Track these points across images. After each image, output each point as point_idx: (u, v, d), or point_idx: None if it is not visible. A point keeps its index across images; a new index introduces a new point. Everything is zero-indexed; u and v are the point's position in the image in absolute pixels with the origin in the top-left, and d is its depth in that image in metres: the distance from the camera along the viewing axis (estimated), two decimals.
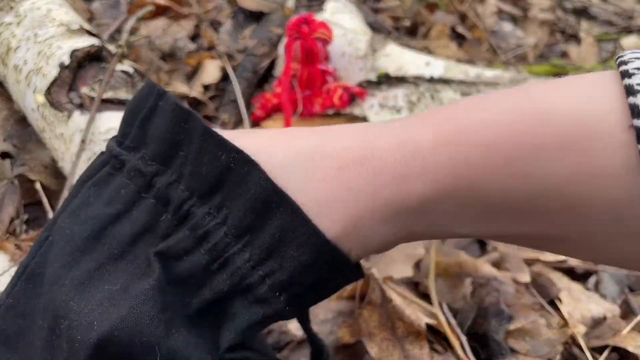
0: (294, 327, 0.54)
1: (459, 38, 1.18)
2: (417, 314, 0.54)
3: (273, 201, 0.24)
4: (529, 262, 0.65)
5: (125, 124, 0.27)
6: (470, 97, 0.25)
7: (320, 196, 0.24)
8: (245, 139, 0.25)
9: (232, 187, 0.24)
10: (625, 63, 0.21)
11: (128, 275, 0.24)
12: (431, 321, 0.54)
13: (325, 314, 0.56)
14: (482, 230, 0.24)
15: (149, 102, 0.26)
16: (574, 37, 1.27)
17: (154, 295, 0.23)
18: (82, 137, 0.56)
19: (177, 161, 0.25)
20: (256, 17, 1.05)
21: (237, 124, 0.83)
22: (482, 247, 0.70)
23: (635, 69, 0.20)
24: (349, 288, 0.56)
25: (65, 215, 0.26)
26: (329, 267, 0.25)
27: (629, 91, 0.20)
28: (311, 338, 0.32)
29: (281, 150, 0.25)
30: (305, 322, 0.31)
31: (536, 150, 0.21)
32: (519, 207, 0.23)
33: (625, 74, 0.20)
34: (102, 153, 0.28)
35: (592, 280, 0.66)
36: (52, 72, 0.61)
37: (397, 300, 0.53)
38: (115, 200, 0.25)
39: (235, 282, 0.24)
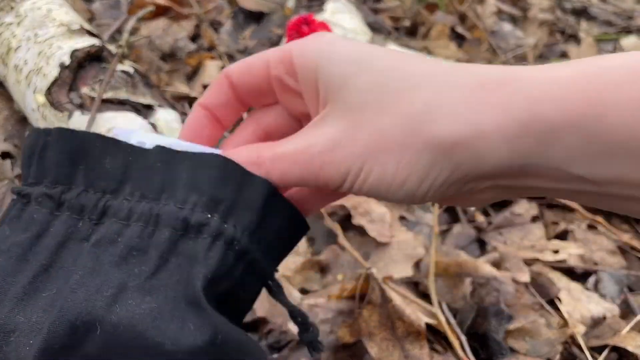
0: (294, 327, 0.54)
1: (458, 38, 1.19)
2: (416, 313, 0.54)
3: (172, 158, 0.28)
4: (529, 262, 0.65)
5: (24, 169, 0.30)
6: None
7: (455, 102, 0.25)
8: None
9: (136, 173, 0.28)
10: None
11: (60, 280, 0.27)
12: (431, 321, 0.54)
13: (325, 314, 0.56)
14: (596, 172, 0.24)
15: (40, 143, 0.29)
16: (574, 38, 1.27)
17: (84, 281, 0.26)
18: None
19: (80, 176, 0.29)
20: (256, 17, 1.05)
21: (238, 124, 0.83)
22: (481, 247, 0.70)
23: None
24: (349, 287, 0.56)
25: None
26: (237, 178, 0.28)
27: None
28: (291, 312, 0.33)
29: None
30: (278, 296, 0.32)
31: None
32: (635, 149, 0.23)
33: None
34: (9, 207, 0.31)
35: (591, 280, 0.66)
36: (53, 72, 0.61)
37: (397, 300, 0.53)
38: (32, 225, 0.28)
39: (173, 225, 0.27)
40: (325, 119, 0.28)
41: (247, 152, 0.29)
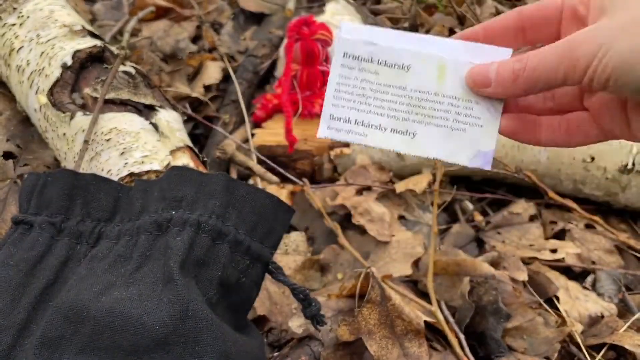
0: (294, 325, 0.55)
1: None
2: (415, 312, 0.54)
3: (148, 185, 0.34)
4: (527, 261, 0.66)
5: (23, 202, 0.36)
6: None
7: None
8: None
9: (124, 207, 0.34)
10: None
11: (63, 291, 0.32)
12: (430, 319, 0.55)
13: (325, 312, 0.57)
14: None
15: (40, 182, 0.35)
16: None
17: (77, 284, 0.31)
18: (85, 138, 0.56)
19: (77, 209, 0.35)
20: (257, 18, 1.06)
21: (238, 124, 0.83)
22: (480, 246, 0.70)
23: None
24: (349, 286, 0.57)
25: None
26: (193, 181, 0.33)
27: None
28: (293, 290, 0.35)
29: None
30: (278, 276, 0.35)
31: None
32: None
33: None
34: (9, 228, 0.36)
35: (589, 279, 0.67)
36: (55, 72, 0.62)
37: (396, 298, 0.54)
38: (36, 245, 0.34)
39: (150, 231, 0.32)
40: (591, 25, 0.31)
41: (513, 57, 0.34)
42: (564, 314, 0.61)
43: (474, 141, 0.47)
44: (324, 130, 0.48)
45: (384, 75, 0.49)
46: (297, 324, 0.54)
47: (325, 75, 0.82)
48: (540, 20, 0.35)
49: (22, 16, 0.68)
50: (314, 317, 0.37)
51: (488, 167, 0.46)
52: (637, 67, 0.28)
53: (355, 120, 0.48)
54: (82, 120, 0.58)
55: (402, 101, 0.49)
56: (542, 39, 0.36)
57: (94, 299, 0.30)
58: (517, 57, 0.33)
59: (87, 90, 0.61)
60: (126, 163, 0.54)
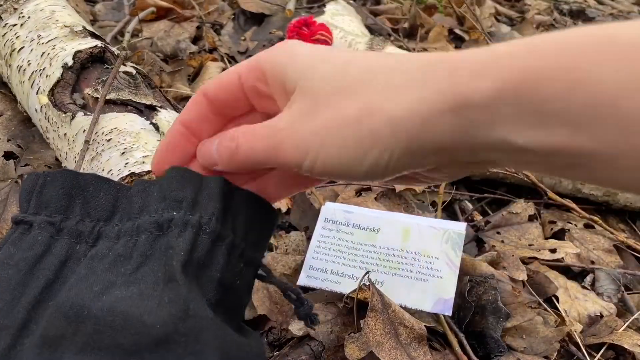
0: (294, 328, 0.55)
1: (457, 40, 1.19)
2: (416, 317, 0.54)
3: (147, 185, 0.33)
4: (526, 261, 0.66)
5: (23, 202, 0.35)
6: None
7: (403, 83, 0.28)
8: None
9: (123, 207, 0.34)
10: None
11: (63, 292, 0.31)
12: (430, 324, 0.55)
13: (324, 316, 0.57)
14: (538, 139, 0.26)
15: (39, 182, 0.35)
16: None
17: (77, 284, 0.31)
18: (86, 138, 0.56)
19: (77, 209, 0.34)
20: (257, 19, 1.06)
21: None
22: (479, 246, 0.70)
23: None
24: (347, 292, 0.57)
25: None
26: (192, 183, 0.32)
27: None
28: (284, 290, 0.35)
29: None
30: (268, 278, 0.35)
31: (596, 63, 0.23)
32: (578, 116, 0.24)
33: None
34: (9, 233, 0.36)
35: (588, 278, 0.67)
36: (56, 73, 0.62)
37: (396, 304, 0.54)
38: (35, 245, 0.33)
39: (150, 231, 0.32)
40: (291, 104, 0.31)
41: (229, 131, 0.33)
42: (563, 313, 0.61)
43: (436, 290, 0.56)
44: (304, 279, 0.58)
45: (357, 236, 0.59)
46: (297, 327, 0.55)
47: None
48: (230, 101, 0.34)
49: (23, 17, 0.68)
50: (307, 316, 0.37)
51: (449, 313, 0.55)
52: (350, 163, 0.28)
53: (331, 271, 0.58)
54: (82, 120, 0.59)
55: (372, 256, 0.58)
56: (242, 113, 0.35)
57: (95, 298, 0.30)
58: (232, 134, 0.32)
59: (88, 91, 0.62)
60: (127, 163, 0.54)
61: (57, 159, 0.67)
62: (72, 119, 0.59)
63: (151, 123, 0.59)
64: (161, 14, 0.98)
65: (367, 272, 0.55)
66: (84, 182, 0.35)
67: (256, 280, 0.35)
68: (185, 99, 0.84)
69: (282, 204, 0.69)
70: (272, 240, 0.65)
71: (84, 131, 0.58)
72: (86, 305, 0.29)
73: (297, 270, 0.61)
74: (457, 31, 1.21)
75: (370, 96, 0.28)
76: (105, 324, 0.29)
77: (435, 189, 0.74)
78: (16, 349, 0.31)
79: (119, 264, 0.32)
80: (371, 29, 1.11)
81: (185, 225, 0.31)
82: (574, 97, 0.24)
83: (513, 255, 0.65)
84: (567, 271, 0.68)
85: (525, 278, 0.62)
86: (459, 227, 0.57)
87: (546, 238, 0.71)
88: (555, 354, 0.56)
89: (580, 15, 1.44)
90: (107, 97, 0.59)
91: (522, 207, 0.73)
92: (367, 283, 0.54)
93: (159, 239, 0.32)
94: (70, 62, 0.62)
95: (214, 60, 0.92)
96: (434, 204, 0.73)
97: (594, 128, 0.24)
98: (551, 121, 0.25)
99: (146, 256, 0.31)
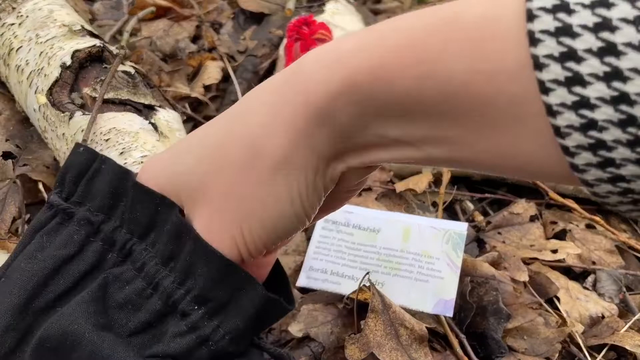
0: (294, 330, 0.54)
1: None
2: (417, 318, 0.54)
3: (183, 232, 0.29)
4: (527, 261, 0.66)
5: (72, 183, 0.33)
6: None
7: (263, 111, 0.28)
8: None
9: (161, 225, 0.30)
10: None
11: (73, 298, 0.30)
12: (431, 325, 0.55)
13: (324, 317, 0.57)
14: (407, 133, 0.26)
15: (94, 166, 0.32)
16: None
17: (87, 300, 0.29)
18: (84, 137, 0.56)
19: (119, 211, 0.31)
20: (257, 18, 1.06)
21: None
22: (480, 246, 0.70)
23: None
24: (347, 292, 0.57)
25: (21, 259, 0.31)
26: (233, 280, 0.29)
27: None
28: (270, 353, 0.33)
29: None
30: (258, 346, 0.32)
31: (442, 51, 0.23)
32: (433, 108, 0.24)
33: None
34: (47, 207, 0.33)
35: (590, 279, 0.67)
36: (54, 72, 0.62)
37: (397, 305, 0.53)
38: (69, 244, 0.31)
39: (164, 300, 0.29)
40: (195, 215, 0.30)
41: None
42: (564, 314, 0.61)
43: (436, 291, 0.55)
44: (303, 280, 0.57)
45: (357, 236, 0.58)
46: (297, 328, 0.54)
47: None
48: None
49: (21, 16, 0.68)
50: None
51: (450, 314, 0.54)
52: (280, 212, 0.28)
53: (331, 271, 0.57)
54: (81, 120, 0.58)
55: (372, 256, 0.57)
56: None
57: (90, 330, 0.28)
58: None
59: (86, 90, 0.61)
60: (125, 163, 0.53)
61: (55, 159, 0.67)
62: (70, 118, 0.59)
63: (150, 123, 0.58)
64: (160, 13, 0.98)
65: (368, 273, 0.54)
66: (130, 184, 0.31)
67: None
68: (184, 98, 0.84)
69: None
70: None
71: (82, 131, 0.57)
72: (81, 334, 0.28)
73: (297, 270, 0.60)
74: None
75: (240, 163, 0.28)
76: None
77: (436, 189, 0.73)
78: (15, 354, 0.29)
79: (125, 309, 0.29)
80: None
81: (193, 329, 0.29)
82: (426, 92, 0.24)
83: (514, 256, 0.64)
84: (569, 272, 0.67)
85: (527, 279, 0.62)
86: (460, 228, 0.57)
87: (547, 238, 0.70)
88: (557, 355, 0.56)
89: None
90: (106, 97, 0.59)
91: (523, 208, 0.72)
92: (368, 284, 0.54)
93: (168, 316, 0.29)
94: (68, 62, 0.61)
95: (213, 59, 0.91)
96: (434, 204, 0.72)
97: (451, 120, 0.24)
98: (412, 114, 0.25)
99: (149, 325, 0.29)
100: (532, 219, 0.72)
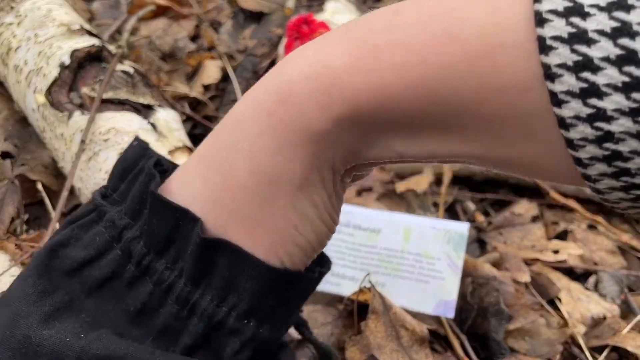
0: (294, 331, 0.54)
1: None
2: (417, 319, 0.54)
3: (213, 247, 0.27)
4: (529, 262, 0.65)
5: (118, 178, 0.31)
6: (383, 9, 0.25)
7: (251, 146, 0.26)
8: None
9: (182, 241, 0.28)
10: None
11: (99, 313, 0.28)
12: (432, 327, 0.54)
13: (325, 318, 0.56)
14: (414, 148, 0.25)
15: (140, 164, 0.30)
16: None
17: (123, 336, 0.27)
18: (82, 137, 0.56)
19: (142, 219, 0.29)
20: (256, 17, 1.05)
21: None
22: (481, 247, 0.70)
23: None
24: (347, 293, 0.56)
25: (43, 252, 0.29)
26: (281, 286, 0.28)
27: None
28: (315, 345, 0.33)
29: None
30: (304, 333, 0.32)
31: (446, 69, 0.22)
32: (440, 126, 0.23)
33: None
34: (90, 200, 0.31)
35: (591, 280, 0.66)
36: (53, 72, 0.61)
37: (397, 307, 0.53)
38: (91, 246, 0.29)
39: (206, 322, 0.27)
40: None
41: None
42: (566, 315, 0.60)
43: (437, 292, 0.54)
44: None
45: (358, 237, 0.57)
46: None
47: None
48: None
49: (20, 15, 0.67)
50: None
51: (451, 315, 0.54)
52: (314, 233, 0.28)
53: (331, 272, 0.56)
54: (80, 119, 0.58)
55: (373, 257, 0.57)
56: None
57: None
58: None
59: (85, 90, 0.61)
60: None
61: (54, 159, 0.67)
62: (69, 118, 0.59)
63: (149, 122, 0.58)
64: (159, 12, 0.97)
65: (368, 274, 0.54)
66: (151, 195, 0.28)
67: None
68: (183, 98, 0.83)
69: None
70: None
71: (81, 131, 0.57)
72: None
73: None
74: None
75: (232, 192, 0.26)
76: None
77: (436, 189, 0.73)
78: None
79: (165, 336, 0.27)
80: None
81: (249, 342, 0.27)
82: (431, 110, 0.23)
83: (515, 257, 0.64)
84: (570, 272, 0.67)
85: (528, 279, 0.62)
86: (461, 228, 0.56)
87: (549, 239, 0.70)
88: (558, 356, 0.56)
89: None
90: (105, 96, 0.59)
91: (525, 208, 0.72)
92: (368, 285, 0.54)
93: (214, 335, 0.27)
94: (67, 61, 0.61)
95: (213, 58, 0.91)
96: (435, 204, 0.72)
97: (458, 135, 0.23)
98: (418, 132, 0.24)
99: (194, 349, 0.27)
100: (534, 219, 0.72)
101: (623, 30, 0.18)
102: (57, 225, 0.54)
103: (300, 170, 0.26)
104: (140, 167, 0.30)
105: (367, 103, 0.24)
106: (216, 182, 0.27)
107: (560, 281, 0.64)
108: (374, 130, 0.25)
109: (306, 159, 0.25)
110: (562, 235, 0.71)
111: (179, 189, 0.29)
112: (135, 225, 0.29)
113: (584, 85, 0.19)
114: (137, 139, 0.32)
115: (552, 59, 0.19)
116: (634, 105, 0.18)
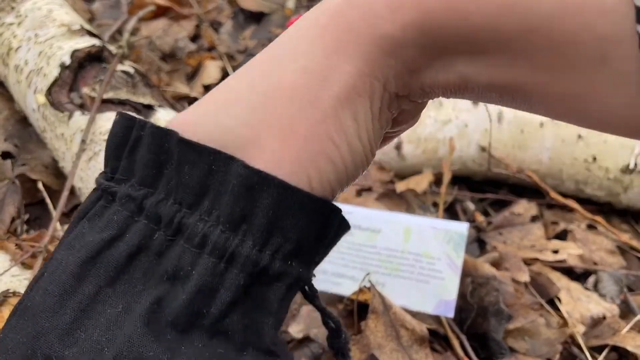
0: (294, 331, 0.54)
1: None
2: (417, 319, 0.54)
3: (256, 184, 0.24)
4: (528, 262, 0.66)
5: (114, 158, 0.28)
6: None
7: (299, 48, 0.25)
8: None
9: (217, 187, 0.25)
10: None
11: (128, 296, 0.25)
12: (432, 326, 0.54)
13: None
14: (476, 70, 0.24)
15: (133, 135, 0.27)
16: None
17: (155, 313, 0.24)
18: (83, 137, 0.56)
19: (164, 180, 0.26)
20: (256, 17, 1.05)
21: None
22: (481, 247, 0.70)
23: None
24: (347, 293, 0.56)
25: (60, 249, 0.27)
26: (322, 219, 0.26)
27: None
28: (325, 316, 0.31)
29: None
30: (314, 300, 0.30)
31: None
32: (508, 48, 0.23)
33: None
34: (95, 189, 0.28)
35: (591, 279, 0.67)
36: (53, 72, 0.61)
37: (397, 306, 0.53)
38: (109, 226, 0.26)
39: (249, 270, 0.25)
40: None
41: None
42: (565, 315, 0.60)
43: (437, 292, 0.55)
44: None
45: (358, 236, 0.58)
46: (297, 329, 0.54)
47: None
48: None
49: (21, 15, 0.67)
50: (341, 349, 0.32)
51: (451, 315, 0.54)
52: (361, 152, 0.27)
53: (331, 272, 0.57)
54: (80, 119, 0.58)
55: (373, 257, 0.57)
56: None
57: (170, 352, 0.23)
58: None
59: (85, 90, 0.61)
60: None
61: (54, 159, 0.67)
62: (69, 118, 0.59)
63: None
64: (159, 12, 0.97)
65: (368, 274, 0.54)
66: (173, 144, 0.26)
67: None
68: (183, 98, 0.83)
69: None
70: None
71: (82, 131, 0.57)
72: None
73: None
74: None
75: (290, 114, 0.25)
76: None
77: (436, 190, 0.73)
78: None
79: (200, 297, 0.24)
80: None
81: (294, 285, 0.26)
82: (503, 27, 0.22)
83: (515, 257, 0.64)
84: (570, 272, 0.67)
85: (528, 279, 0.62)
86: (461, 228, 0.56)
87: (548, 239, 0.70)
88: (558, 355, 0.56)
89: None
90: (105, 97, 0.59)
91: (525, 208, 0.72)
92: (368, 284, 0.54)
93: (257, 286, 0.25)
94: (67, 61, 0.61)
95: (213, 59, 0.91)
96: (435, 204, 0.72)
97: (525, 58, 0.22)
98: (485, 50, 0.23)
99: (235, 303, 0.25)
100: (533, 219, 0.72)
101: None
102: (58, 225, 0.54)
103: (354, 74, 0.25)
104: (136, 137, 0.27)
105: (438, 10, 0.23)
106: (261, 87, 0.25)
107: (560, 281, 0.64)
108: (439, 46, 0.24)
109: (362, 63, 0.25)
110: (562, 235, 0.71)
111: (205, 117, 0.26)
112: (155, 191, 0.26)
113: None
114: (119, 113, 0.29)
115: None
116: None
